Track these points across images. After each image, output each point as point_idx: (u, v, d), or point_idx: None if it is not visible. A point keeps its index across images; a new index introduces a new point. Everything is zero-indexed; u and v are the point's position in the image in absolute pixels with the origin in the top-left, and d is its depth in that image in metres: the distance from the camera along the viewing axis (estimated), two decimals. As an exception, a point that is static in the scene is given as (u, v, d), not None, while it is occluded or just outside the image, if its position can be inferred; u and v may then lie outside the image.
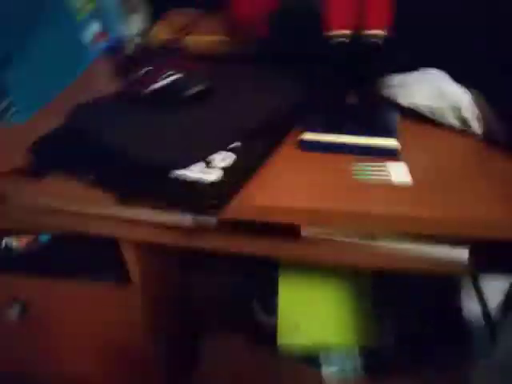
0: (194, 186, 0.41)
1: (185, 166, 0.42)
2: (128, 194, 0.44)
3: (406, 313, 0.71)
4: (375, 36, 0.44)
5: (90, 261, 0.69)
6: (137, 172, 0.43)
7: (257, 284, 0.88)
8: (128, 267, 0.65)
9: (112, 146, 0.45)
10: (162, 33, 0.83)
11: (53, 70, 0.69)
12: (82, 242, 0.64)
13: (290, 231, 0.49)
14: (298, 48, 0.59)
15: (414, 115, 0.52)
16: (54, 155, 0.48)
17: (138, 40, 0.78)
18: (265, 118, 0.49)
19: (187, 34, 0.82)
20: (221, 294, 0.89)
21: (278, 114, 0.51)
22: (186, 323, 0.88)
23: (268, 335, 0.83)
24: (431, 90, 0.50)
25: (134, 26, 0.79)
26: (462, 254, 0.45)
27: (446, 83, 0.50)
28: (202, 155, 0.44)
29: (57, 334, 0.77)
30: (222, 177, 0.42)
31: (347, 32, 0.45)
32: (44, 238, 0.75)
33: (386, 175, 0.45)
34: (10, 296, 0.73)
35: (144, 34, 0.80)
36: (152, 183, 0.43)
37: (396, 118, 0.50)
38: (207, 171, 0.42)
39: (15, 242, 0.76)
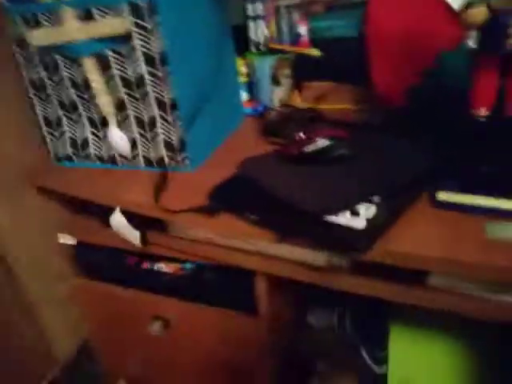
0: (345, 229, 0.50)
1: (335, 211, 0.52)
2: (285, 233, 0.55)
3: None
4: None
5: (227, 290, 0.81)
6: (294, 215, 0.54)
7: (366, 333, 0.91)
8: (258, 299, 0.75)
9: (274, 193, 0.57)
10: (299, 101, 0.98)
11: (218, 125, 0.86)
12: (221, 272, 0.77)
13: (417, 278, 0.55)
14: (433, 120, 0.68)
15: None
16: (226, 198, 0.62)
17: (279, 107, 0.93)
18: (402, 177, 0.58)
19: (322, 102, 0.96)
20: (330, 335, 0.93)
21: (415, 175, 0.59)
22: (297, 358, 0.94)
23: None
24: None
25: (277, 96, 0.95)
26: None
27: None
28: (350, 203, 0.53)
29: (189, 350, 0.89)
30: (367, 224, 0.50)
31: (488, 112, 0.52)
32: (188, 265, 0.89)
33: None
34: (154, 313, 0.88)
35: (285, 102, 0.95)
36: (306, 225, 0.53)
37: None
38: (354, 219, 0.51)
39: (165, 267, 0.91)
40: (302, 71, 0.94)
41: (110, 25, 0.65)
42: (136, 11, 0.64)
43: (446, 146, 0.63)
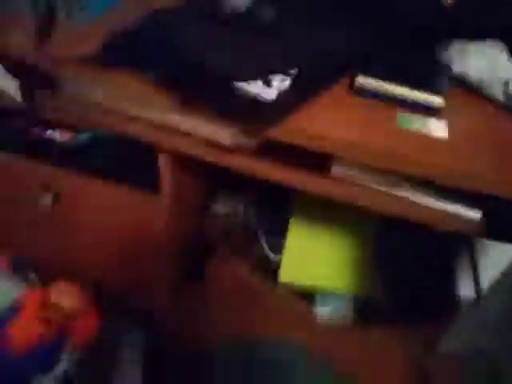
0: (253, 100, 0.45)
1: (246, 78, 0.46)
2: (189, 95, 0.48)
3: (402, 268, 0.77)
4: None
5: (125, 164, 0.74)
6: (201, 76, 0.47)
7: (267, 219, 0.93)
8: (161, 176, 0.70)
9: (181, 50, 0.49)
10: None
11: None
12: (120, 144, 0.69)
13: (322, 167, 0.54)
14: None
15: (464, 82, 0.55)
16: (123, 50, 0.52)
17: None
18: (326, 53, 0.53)
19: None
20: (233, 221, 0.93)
21: (339, 52, 0.54)
22: (199, 238, 0.94)
23: (271, 271, 0.89)
24: (486, 61, 0.52)
25: None
26: (476, 214, 0.49)
27: (503, 57, 0.52)
28: (263, 72, 0.47)
29: (81, 226, 0.84)
30: (278, 97, 0.46)
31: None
32: (84, 136, 0.80)
33: (426, 128, 0.48)
34: (44, 185, 0.79)
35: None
36: (214, 89, 0.47)
37: (447, 80, 0.53)
38: (265, 89, 0.46)
39: (58, 136, 0.81)
40: None
41: None
42: None
43: (379, 29, 0.58)
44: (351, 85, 0.53)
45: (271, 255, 0.92)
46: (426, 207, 0.51)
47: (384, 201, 0.53)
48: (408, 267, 0.77)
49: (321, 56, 0.52)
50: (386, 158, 0.46)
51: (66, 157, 0.79)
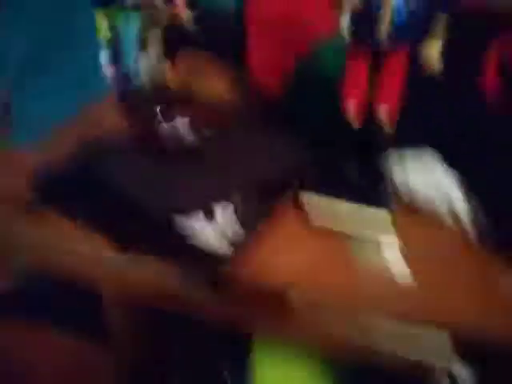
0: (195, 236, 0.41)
1: (186, 212, 0.43)
2: (127, 240, 0.44)
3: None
4: (382, 115, 0.46)
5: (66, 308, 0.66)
6: (137, 217, 0.43)
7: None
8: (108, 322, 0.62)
9: (113, 190, 0.45)
10: (169, 72, 0.85)
11: (63, 91, 0.69)
12: (58, 286, 0.62)
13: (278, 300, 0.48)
14: (305, 113, 0.62)
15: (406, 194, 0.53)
16: (55, 192, 0.48)
17: (147, 77, 0.79)
18: (264, 175, 0.51)
19: (194, 75, 0.84)
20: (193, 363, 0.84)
21: (278, 173, 0.52)
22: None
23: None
24: (425, 174, 0.51)
25: (144, 63, 0.80)
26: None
27: (439, 170, 0.51)
28: (202, 203, 0.44)
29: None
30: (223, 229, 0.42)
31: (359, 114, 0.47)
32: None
33: (381, 254, 0.45)
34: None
35: (154, 71, 0.82)
36: (153, 230, 0.42)
37: (391, 193, 0.51)
38: (207, 223, 0.43)
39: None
40: (175, 37, 0.81)
41: None
42: None
43: (316, 144, 0.57)
44: (295, 203, 0.50)
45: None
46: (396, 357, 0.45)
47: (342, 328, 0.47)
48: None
49: (259, 177, 0.50)
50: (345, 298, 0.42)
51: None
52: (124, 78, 0.78)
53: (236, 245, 0.43)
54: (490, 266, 0.45)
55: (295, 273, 0.43)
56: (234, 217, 0.44)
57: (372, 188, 0.51)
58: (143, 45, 0.78)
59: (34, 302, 0.67)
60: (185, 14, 0.77)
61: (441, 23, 0.40)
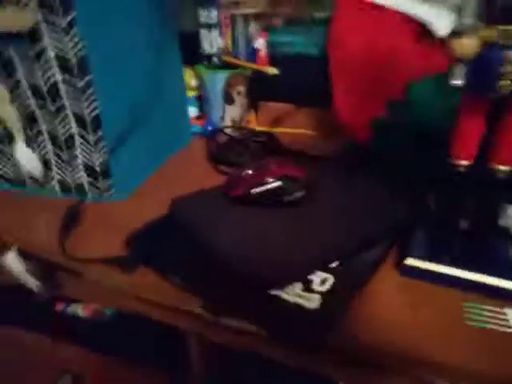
0: (294, 312, 0.38)
1: (282, 283, 0.40)
2: (217, 304, 0.43)
3: None
4: (504, 171, 0.41)
5: (149, 345, 0.68)
6: (230, 281, 0.41)
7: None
8: (190, 361, 0.62)
9: (208, 250, 0.44)
10: (254, 123, 0.86)
11: (155, 147, 0.73)
12: (144, 323, 0.63)
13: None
14: (403, 161, 0.58)
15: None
16: (149, 248, 0.49)
17: (231, 128, 0.81)
18: (366, 235, 0.47)
19: (279, 125, 0.85)
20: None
21: (380, 231, 0.48)
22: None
23: None
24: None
25: (230, 116, 0.83)
26: None
27: None
28: (302, 275, 0.42)
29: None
30: (322, 304, 0.39)
31: (471, 162, 0.43)
32: (109, 310, 0.75)
33: (506, 325, 0.39)
34: (64, 366, 0.73)
35: (239, 123, 0.84)
36: (245, 297, 0.40)
37: (511, 255, 0.46)
38: (305, 296, 0.40)
39: (81, 311, 0.76)
40: (259, 90, 0.83)
41: (11, 17, 0.51)
42: (45, 2, 0.50)
43: (417, 197, 0.53)
44: (398, 264, 0.47)
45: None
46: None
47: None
48: None
49: (361, 239, 0.46)
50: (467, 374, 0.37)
51: (90, 334, 0.74)
52: (211, 130, 0.81)
53: (335, 309, 0.39)
54: None
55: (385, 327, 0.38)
56: (333, 285, 0.41)
57: (489, 251, 0.45)
58: (229, 99, 0.81)
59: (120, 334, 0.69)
60: (268, 68, 0.78)
61: None
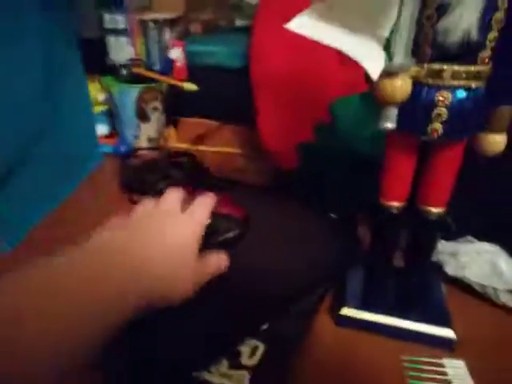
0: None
1: (206, 366, 0.34)
2: None
3: None
4: (434, 213, 0.39)
5: None
6: (147, 364, 0.34)
7: None
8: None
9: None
10: (174, 140, 0.79)
11: (54, 177, 0.62)
12: None
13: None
14: (332, 190, 0.55)
15: (462, 285, 0.46)
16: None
17: (147, 148, 0.73)
18: (299, 285, 0.43)
19: (202, 143, 0.78)
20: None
21: (313, 279, 0.44)
22: None
23: None
24: (484, 266, 0.44)
25: (145, 134, 0.74)
26: None
27: (501, 261, 0.44)
28: (226, 350, 0.36)
29: None
30: None
31: (402, 204, 0.40)
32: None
33: (446, 381, 0.37)
34: None
35: (157, 141, 0.76)
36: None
37: (444, 292, 0.44)
38: (232, 375, 0.34)
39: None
40: (177, 105, 0.75)
41: None
42: None
43: (350, 237, 0.50)
44: (333, 314, 0.43)
45: None
46: None
47: None
48: None
49: (294, 291, 0.42)
50: None
51: None
52: (124, 152, 0.72)
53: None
54: None
55: None
56: (264, 355, 0.36)
57: (424, 295, 0.43)
58: (143, 116, 0.72)
59: None
60: (185, 84, 0.71)
61: (501, 116, 0.34)
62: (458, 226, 0.44)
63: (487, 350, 0.40)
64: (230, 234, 0.44)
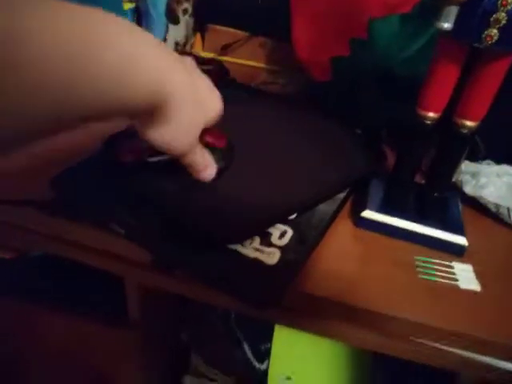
0: (253, 267, 0.36)
1: (241, 240, 0.37)
2: (168, 261, 0.39)
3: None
4: (468, 127, 0.40)
5: (84, 291, 0.63)
6: (182, 237, 0.37)
7: (250, 327, 0.83)
8: (128, 304, 0.59)
9: (158, 201, 0.39)
10: (200, 48, 0.77)
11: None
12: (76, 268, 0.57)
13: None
14: (361, 105, 0.56)
15: (478, 206, 0.49)
16: (81, 193, 0.42)
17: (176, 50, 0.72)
18: (325, 185, 0.45)
19: (229, 54, 0.77)
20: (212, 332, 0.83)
21: (339, 182, 0.46)
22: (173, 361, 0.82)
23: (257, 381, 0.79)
24: (502, 187, 0.46)
25: (173, 37, 0.73)
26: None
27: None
28: (263, 229, 0.38)
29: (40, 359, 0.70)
30: (281, 259, 0.37)
31: (438, 116, 0.41)
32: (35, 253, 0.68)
33: (454, 279, 0.41)
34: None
35: (183, 47, 0.74)
36: (200, 254, 0.37)
37: (461, 209, 0.46)
38: (264, 250, 0.37)
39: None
40: (208, 9, 0.73)
41: None
42: None
43: (377, 147, 0.51)
44: (354, 216, 0.46)
45: (256, 363, 0.82)
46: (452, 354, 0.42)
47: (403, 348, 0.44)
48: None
49: (320, 190, 0.44)
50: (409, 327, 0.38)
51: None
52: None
53: (294, 265, 0.37)
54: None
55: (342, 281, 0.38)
56: (292, 239, 0.39)
57: (441, 206, 0.46)
58: (173, 17, 0.70)
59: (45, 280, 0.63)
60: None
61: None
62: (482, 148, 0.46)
63: (494, 260, 0.44)
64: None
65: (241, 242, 0.37)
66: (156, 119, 0.30)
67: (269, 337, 0.80)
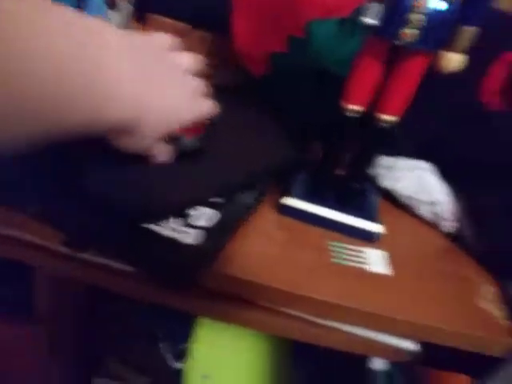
0: (167, 246, 0.35)
1: (159, 218, 0.36)
2: (80, 239, 0.36)
3: None
4: (387, 121, 0.43)
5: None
6: (95, 214, 0.35)
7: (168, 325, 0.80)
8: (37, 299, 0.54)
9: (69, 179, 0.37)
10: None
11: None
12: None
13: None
14: (296, 101, 0.57)
15: (393, 198, 0.53)
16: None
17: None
18: (252, 173, 0.45)
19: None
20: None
21: (266, 169, 0.47)
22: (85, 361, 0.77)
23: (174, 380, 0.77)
24: (413, 180, 0.50)
25: (113, 22, 0.70)
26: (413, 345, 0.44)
27: (430, 177, 0.50)
28: (178, 209, 0.38)
29: None
30: (200, 239, 0.36)
31: (361, 109, 0.43)
32: None
33: (365, 262, 0.43)
34: None
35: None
36: (115, 232, 0.35)
37: (378, 200, 0.49)
38: (182, 230, 0.36)
39: None
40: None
41: None
42: None
43: (304, 139, 0.53)
44: (277, 203, 0.47)
45: (173, 363, 0.79)
46: (362, 338, 0.44)
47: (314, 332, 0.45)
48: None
49: (246, 176, 0.44)
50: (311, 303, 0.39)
51: None
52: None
53: (212, 246, 0.37)
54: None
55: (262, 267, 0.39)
56: (213, 221, 0.39)
57: (359, 197, 0.48)
58: (111, 3, 0.68)
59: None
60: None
61: (465, 36, 0.38)
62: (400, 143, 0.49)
63: (404, 248, 0.48)
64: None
65: (158, 220, 0.36)
66: (123, 132, 0.32)
67: (189, 336, 0.78)
